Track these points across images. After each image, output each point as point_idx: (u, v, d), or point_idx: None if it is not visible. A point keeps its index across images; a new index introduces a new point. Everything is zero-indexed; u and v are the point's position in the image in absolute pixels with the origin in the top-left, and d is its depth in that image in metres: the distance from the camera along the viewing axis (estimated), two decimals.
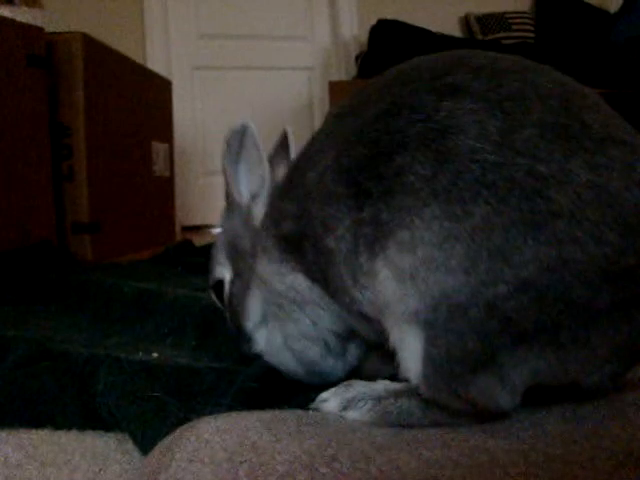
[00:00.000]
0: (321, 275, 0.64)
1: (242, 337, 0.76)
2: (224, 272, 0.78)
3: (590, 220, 0.51)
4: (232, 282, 0.76)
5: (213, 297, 0.79)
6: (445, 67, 0.60)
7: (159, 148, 2.32)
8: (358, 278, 0.60)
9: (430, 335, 0.54)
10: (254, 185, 0.75)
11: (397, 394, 0.59)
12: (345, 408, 0.61)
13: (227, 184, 0.76)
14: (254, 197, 0.75)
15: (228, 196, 0.77)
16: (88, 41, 1.85)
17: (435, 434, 0.55)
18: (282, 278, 0.69)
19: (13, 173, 1.63)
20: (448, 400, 0.56)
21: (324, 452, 0.49)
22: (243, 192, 0.76)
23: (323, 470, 0.46)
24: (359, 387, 0.63)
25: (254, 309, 0.75)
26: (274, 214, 0.69)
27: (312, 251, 0.64)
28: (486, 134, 0.53)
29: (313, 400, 0.64)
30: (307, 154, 0.68)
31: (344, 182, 0.60)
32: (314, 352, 0.71)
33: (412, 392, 0.58)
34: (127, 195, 2.08)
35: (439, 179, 0.53)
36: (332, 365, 0.71)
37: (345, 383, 0.65)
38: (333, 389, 0.64)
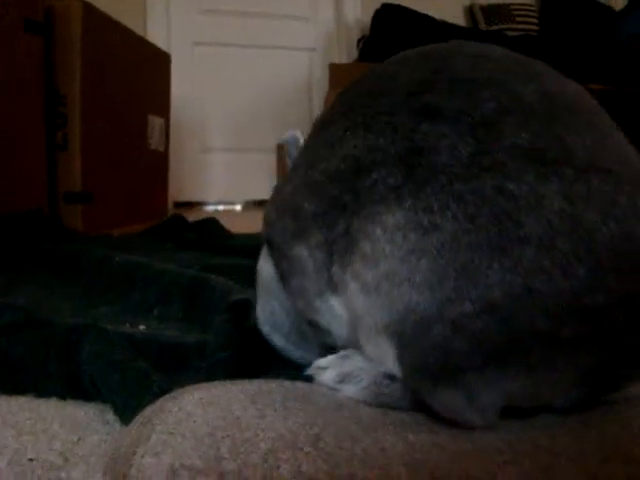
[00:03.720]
0: (285, 281, 0.64)
1: None
2: None
3: (560, 251, 0.48)
4: None
5: None
6: (422, 78, 0.58)
7: (155, 122, 2.30)
8: (325, 290, 0.59)
9: (399, 348, 0.53)
10: None
11: (394, 376, 0.58)
12: (340, 382, 0.60)
13: None
14: None
15: None
16: (88, 9, 1.82)
17: (422, 419, 0.54)
18: (261, 263, 0.70)
19: (6, 140, 1.61)
20: (421, 405, 0.56)
21: (309, 430, 0.48)
22: None
23: (307, 449, 0.45)
24: (357, 361, 0.62)
25: None
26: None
27: (282, 258, 0.64)
28: (457, 156, 0.51)
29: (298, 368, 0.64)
30: (294, 162, 0.68)
31: (316, 198, 0.59)
32: (277, 339, 0.71)
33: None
34: (121, 167, 2.06)
35: (406, 186, 0.51)
36: (299, 355, 0.71)
37: (343, 353, 0.63)
38: (331, 358, 0.63)
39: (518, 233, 0.48)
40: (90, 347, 0.62)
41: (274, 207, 0.67)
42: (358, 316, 0.55)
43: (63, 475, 0.50)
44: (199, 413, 0.48)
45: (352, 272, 0.54)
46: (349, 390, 0.59)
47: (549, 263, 0.47)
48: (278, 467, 0.42)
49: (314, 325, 0.65)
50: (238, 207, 3.42)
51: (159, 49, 2.36)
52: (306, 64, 3.49)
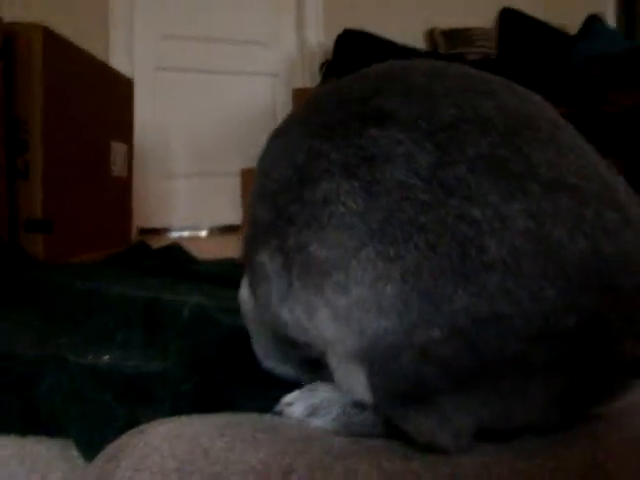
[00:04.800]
0: (254, 293, 0.64)
1: None
2: None
3: (526, 274, 0.46)
4: None
5: None
6: (377, 85, 0.57)
7: (118, 148, 2.28)
8: (287, 296, 0.58)
9: (370, 373, 0.52)
10: None
11: (363, 405, 0.57)
12: (310, 415, 0.59)
13: None
14: None
15: None
16: (49, 34, 1.80)
17: (396, 446, 0.53)
18: (241, 291, 0.70)
19: None
20: (393, 432, 0.55)
21: (280, 461, 0.46)
22: None
23: None
24: (325, 392, 0.61)
25: None
26: None
27: (249, 268, 0.64)
28: (416, 168, 0.49)
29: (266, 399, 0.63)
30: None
31: (267, 207, 0.58)
32: (268, 362, 0.70)
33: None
34: (83, 194, 2.03)
35: (373, 217, 0.49)
36: (292, 374, 0.70)
37: (310, 386, 0.63)
38: (297, 392, 0.62)
39: (482, 258, 0.46)
40: (50, 379, 0.60)
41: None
42: (328, 341, 0.54)
43: None
44: (165, 447, 0.46)
45: (322, 299, 0.53)
46: (318, 422, 0.59)
47: (516, 287, 0.46)
48: None
49: (289, 340, 0.63)
50: (203, 233, 3.39)
51: (122, 75, 2.35)
52: (269, 89, 3.49)
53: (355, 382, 0.54)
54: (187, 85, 3.31)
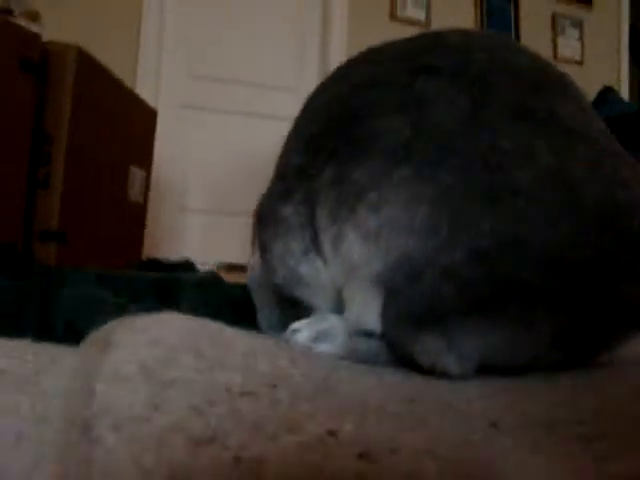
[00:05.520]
0: (268, 251, 0.66)
1: None
2: None
3: (548, 204, 0.51)
4: None
5: None
6: (419, 48, 0.63)
7: (137, 174, 2.34)
8: (309, 249, 0.61)
9: (387, 297, 0.55)
10: None
11: (370, 333, 0.60)
12: (316, 340, 0.62)
13: None
14: None
15: None
16: (83, 55, 1.88)
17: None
18: (251, 259, 0.72)
19: None
20: (400, 356, 0.57)
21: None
22: None
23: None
24: (333, 320, 0.64)
25: None
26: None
27: (268, 225, 0.66)
28: (455, 109, 0.55)
29: None
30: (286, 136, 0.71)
31: (303, 151, 0.62)
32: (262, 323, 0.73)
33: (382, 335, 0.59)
34: (99, 212, 2.08)
35: (412, 143, 0.55)
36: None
37: (319, 315, 0.65)
38: (306, 320, 0.64)
39: (508, 185, 0.51)
40: (69, 290, 0.62)
41: (266, 191, 0.70)
42: (349, 268, 0.57)
43: (34, 380, 0.50)
44: (156, 330, 0.47)
45: (353, 222, 0.56)
46: (324, 347, 0.61)
47: (537, 214, 0.51)
48: None
49: (294, 304, 0.66)
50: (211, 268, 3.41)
51: (147, 104, 2.43)
52: None
53: (368, 309, 0.57)
54: (210, 124, 3.38)
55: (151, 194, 2.55)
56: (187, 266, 1.85)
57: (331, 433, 0.33)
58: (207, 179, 3.40)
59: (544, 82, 0.58)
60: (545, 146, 0.53)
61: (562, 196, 0.51)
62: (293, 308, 0.67)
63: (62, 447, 0.29)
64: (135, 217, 2.43)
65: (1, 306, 0.65)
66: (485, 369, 0.58)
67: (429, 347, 0.54)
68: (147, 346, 0.40)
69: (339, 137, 0.59)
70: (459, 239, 0.51)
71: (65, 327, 0.62)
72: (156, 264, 1.89)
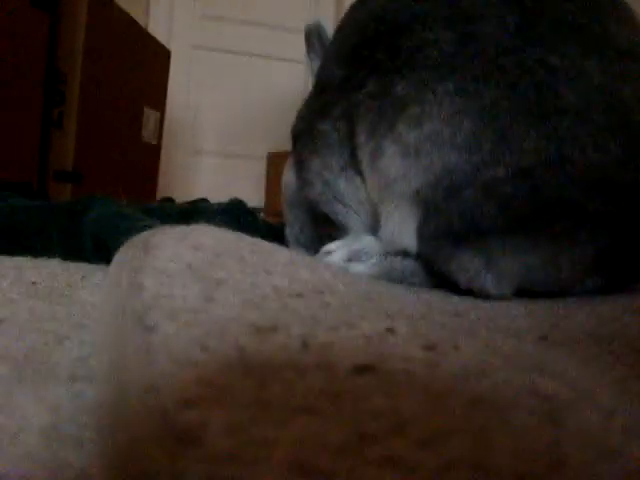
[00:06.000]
0: (305, 167, 0.65)
1: None
2: None
3: (595, 124, 0.50)
4: None
5: None
6: None
7: (150, 114, 2.31)
8: (347, 164, 0.59)
9: (425, 213, 0.53)
10: None
11: (405, 253, 0.59)
12: (350, 259, 0.60)
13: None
14: None
15: None
16: None
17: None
18: (286, 173, 0.70)
19: (2, 116, 1.60)
20: (437, 273, 0.56)
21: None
22: None
23: None
24: (367, 240, 0.62)
25: None
26: (296, 116, 0.70)
27: (306, 140, 0.65)
28: (503, 25, 0.53)
29: None
30: (326, 49, 0.69)
31: (344, 63, 0.60)
32: (290, 238, 0.71)
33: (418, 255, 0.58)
34: (113, 153, 2.06)
35: (459, 59, 0.53)
36: None
37: (353, 235, 0.64)
38: (340, 241, 0.63)
39: (556, 103, 0.49)
40: (98, 209, 0.61)
41: (303, 103, 0.68)
42: (386, 184, 0.56)
43: (67, 293, 0.49)
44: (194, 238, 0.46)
45: (392, 136, 0.55)
46: (359, 267, 0.60)
47: (584, 134, 0.49)
48: None
49: (328, 222, 0.65)
50: None
51: (160, 44, 2.39)
52: (302, 76, 3.52)
53: (404, 226, 0.56)
54: (222, 65, 3.33)
55: (164, 136, 2.53)
56: (204, 201, 1.84)
57: (389, 330, 0.31)
58: (219, 122, 3.37)
59: (597, 2, 0.56)
60: (596, 66, 0.51)
61: (610, 118, 0.50)
62: (327, 226, 0.66)
63: (115, 334, 0.28)
64: (149, 158, 2.42)
65: (29, 225, 0.64)
66: (523, 293, 0.57)
67: (466, 265, 0.53)
68: (190, 249, 0.39)
69: (383, 49, 0.57)
70: (503, 156, 0.50)
71: (93, 246, 0.60)
72: (170, 200, 1.87)
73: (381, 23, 0.59)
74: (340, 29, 0.67)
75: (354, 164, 0.59)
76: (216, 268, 0.37)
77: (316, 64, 0.75)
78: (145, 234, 0.43)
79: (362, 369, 0.23)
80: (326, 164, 0.62)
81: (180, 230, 0.44)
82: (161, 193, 2.95)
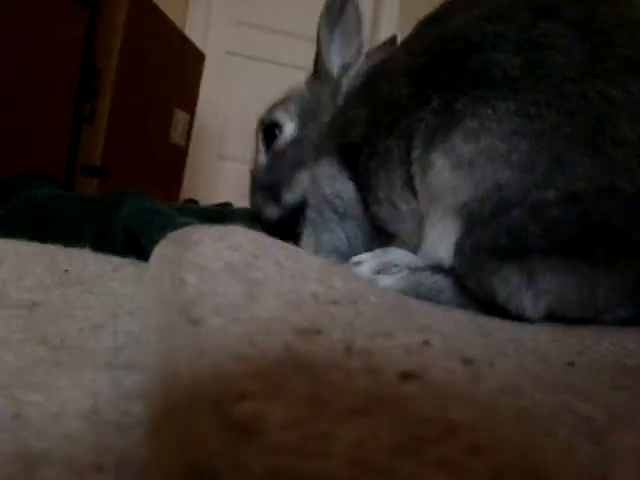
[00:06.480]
0: (371, 184, 0.65)
1: (273, 201, 0.75)
2: (286, 122, 0.77)
3: None
4: (293, 141, 0.75)
5: (257, 137, 0.78)
6: None
7: (180, 116, 2.33)
8: (405, 180, 0.60)
9: (469, 227, 0.54)
10: (347, 56, 0.75)
11: (434, 269, 0.59)
12: (379, 272, 0.61)
13: (319, 49, 0.76)
14: (345, 68, 0.74)
15: (318, 62, 0.77)
16: None
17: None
18: (333, 183, 0.70)
19: (37, 105, 1.62)
20: (473, 287, 0.56)
21: None
22: (334, 61, 0.75)
23: None
24: (397, 254, 0.63)
25: (299, 187, 0.74)
26: (343, 121, 0.69)
27: (370, 154, 0.65)
28: (572, 56, 0.54)
29: None
30: (384, 62, 0.69)
31: (412, 81, 0.61)
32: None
33: (448, 271, 0.58)
34: (141, 151, 2.08)
35: (524, 83, 0.54)
36: None
37: (383, 248, 0.64)
38: (370, 253, 0.63)
39: (613, 134, 0.51)
40: (131, 205, 0.62)
41: (354, 104, 0.68)
42: (433, 195, 0.56)
43: (98, 283, 0.50)
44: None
45: (444, 149, 0.55)
46: (387, 280, 0.60)
47: (636, 167, 0.50)
48: None
49: (388, 239, 0.65)
50: None
51: (196, 47, 2.41)
52: None
53: (443, 238, 0.56)
54: (253, 73, 3.36)
55: (191, 138, 2.54)
56: (227, 206, 1.85)
57: (425, 342, 0.32)
58: (247, 128, 3.37)
59: None
60: None
61: None
62: (382, 242, 0.66)
63: (160, 326, 0.28)
64: (176, 159, 2.43)
65: (62, 215, 0.65)
66: (551, 319, 0.57)
67: (509, 280, 0.54)
68: (228, 249, 0.40)
69: (451, 68, 0.58)
70: (555, 179, 0.51)
71: (124, 240, 0.61)
72: (193, 202, 1.88)
73: (453, 42, 0.60)
74: (408, 44, 0.68)
75: (410, 181, 0.60)
76: (255, 270, 0.37)
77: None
78: (183, 231, 0.44)
79: (407, 376, 0.23)
80: (391, 182, 0.62)
81: (217, 230, 0.45)
82: (184, 194, 2.98)
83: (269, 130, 0.78)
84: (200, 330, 0.25)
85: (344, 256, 0.68)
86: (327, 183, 0.71)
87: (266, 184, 0.78)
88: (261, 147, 0.80)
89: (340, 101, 0.75)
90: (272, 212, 0.77)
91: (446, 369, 0.26)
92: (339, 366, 0.23)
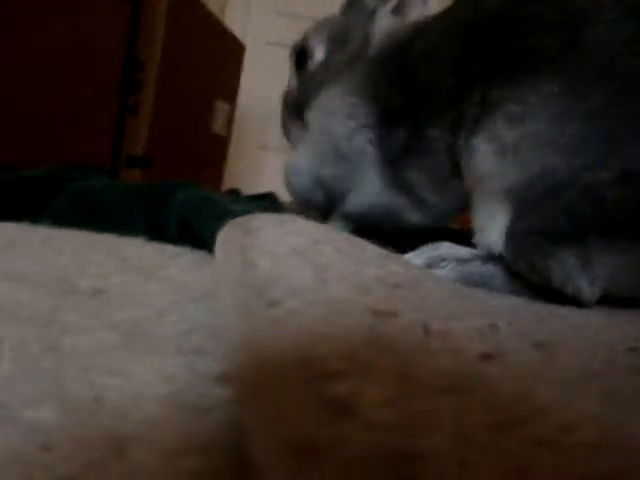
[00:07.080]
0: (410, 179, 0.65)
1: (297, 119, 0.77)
2: (316, 47, 0.78)
3: None
4: (321, 64, 0.76)
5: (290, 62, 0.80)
6: None
7: (221, 107, 2.34)
8: (451, 172, 0.60)
9: (519, 211, 0.53)
10: None
11: (484, 259, 0.59)
12: (429, 266, 0.61)
13: None
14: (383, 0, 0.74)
15: None
16: None
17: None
18: (348, 132, 0.71)
19: (82, 98, 1.65)
20: (527, 272, 0.56)
21: None
22: None
23: None
24: (446, 248, 0.63)
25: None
26: (379, 82, 0.69)
27: (411, 144, 0.65)
28: (615, 33, 0.52)
29: None
30: (424, 37, 0.68)
31: (455, 68, 0.60)
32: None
33: (498, 259, 0.58)
34: (183, 142, 2.10)
35: (568, 61, 0.53)
36: None
37: (433, 244, 0.64)
38: (419, 249, 0.63)
39: None
40: (184, 194, 0.62)
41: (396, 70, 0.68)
42: (477, 180, 0.56)
43: (158, 271, 0.51)
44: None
45: (487, 135, 0.55)
46: (437, 271, 0.60)
47: None
48: None
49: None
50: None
51: (236, 38, 2.42)
52: None
53: (492, 223, 0.56)
54: None
55: (233, 129, 2.56)
56: (272, 198, 1.85)
57: (492, 326, 0.32)
58: None
59: None
60: None
61: None
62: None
63: (236, 308, 0.29)
64: (217, 149, 2.45)
65: (115, 204, 0.66)
66: (603, 302, 0.56)
67: (565, 263, 0.53)
68: (290, 235, 0.40)
69: (492, 54, 0.57)
70: (607, 159, 0.50)
71: (178, 229, 0.62)
72: (236, 192, 1.89)
73: (490, 28, 0.59)
74: (445, 22, 0.67)
75: (456, 172, 0.60)
76: (319, 254, 0.37)
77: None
78: (243, 218, 0.45)
79: (487, 356, 0.23)
80: (432, 170, 0.62)
81: (276, 217, 0.45)
82: (226, 185, 3.00)
83: (300, 55, 0.80)
84: (278, 311, 0.26)
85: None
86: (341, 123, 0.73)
87: (293, 104, 0.81)
88: (293, 71, 0.82)
89: (374, 31, 0.74)
90: (296, 131, 0.80)
91: (520, 351, 0.26)
92: (421, 347, 0.23)
